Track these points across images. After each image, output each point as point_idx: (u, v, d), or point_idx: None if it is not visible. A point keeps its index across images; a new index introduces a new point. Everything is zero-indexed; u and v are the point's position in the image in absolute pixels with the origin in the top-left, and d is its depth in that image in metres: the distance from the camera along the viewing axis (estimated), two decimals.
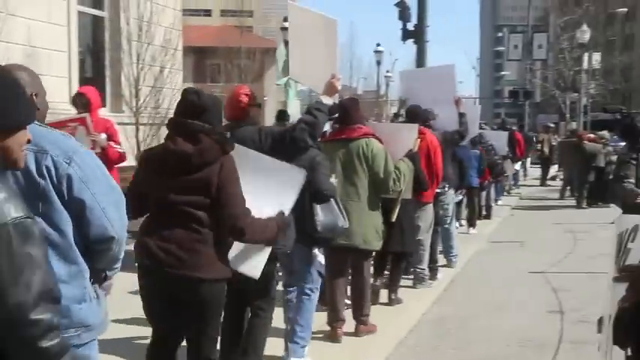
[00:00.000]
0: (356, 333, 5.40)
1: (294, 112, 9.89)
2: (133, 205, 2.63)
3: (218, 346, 3.69)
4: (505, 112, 47.88)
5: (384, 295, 6.47)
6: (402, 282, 6.77)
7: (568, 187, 16.77)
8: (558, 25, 36.46)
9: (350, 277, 5.56)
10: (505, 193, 16.12)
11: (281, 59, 11.40)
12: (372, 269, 5.92)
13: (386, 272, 6.68)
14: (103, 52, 10.77)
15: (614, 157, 14.01)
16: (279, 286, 4.83)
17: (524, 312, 6.57)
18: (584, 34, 29.77)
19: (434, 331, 5.95)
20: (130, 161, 7.86)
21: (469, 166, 9.96)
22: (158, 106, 10.44)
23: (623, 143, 6.30)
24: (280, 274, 4.95)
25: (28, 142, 1.95)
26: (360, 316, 5.42)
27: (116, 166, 6.12)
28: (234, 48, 32.13)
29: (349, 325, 5.40)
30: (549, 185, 19.76)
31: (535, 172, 21.62)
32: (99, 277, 2.55)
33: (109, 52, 10.68)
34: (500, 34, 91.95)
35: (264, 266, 3.76)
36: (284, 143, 4.03)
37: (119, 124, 8.21)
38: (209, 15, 59.11)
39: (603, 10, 48.75)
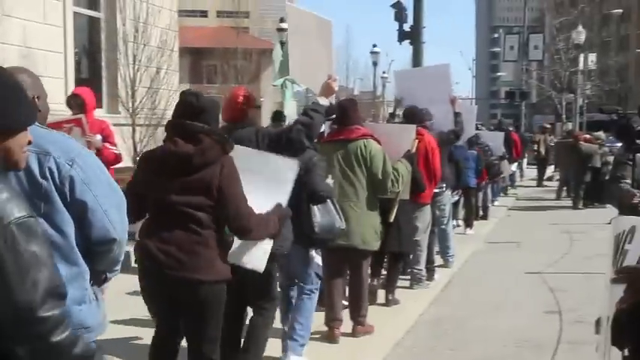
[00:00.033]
0: (353, 333, 5.40)
1: (291, 112, 9.86)
2: (132, 206, 2.63)
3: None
4: (501, 112, 47.97)
5: (381, 295, 6.47)
6: (400, 283, 6.77)
7: (564, 188, 16.81)
8: (554, 26, 36.55)
9: (348, 278, 5.56)
10: (502, 194, 16.14)
11: (277, 60, 11.36)
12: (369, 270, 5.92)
13: (383, 273, 6.68)
14: (99, 53, 10.75)
15: (610, 158, 14.06)
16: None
17: (521, 312, 6.57)
18: (580, 35, 29.86)
19: (431, 332, 5.95)
20: (127, 162, 7.86)
21: (466, 167, 9.99)
22: (154, 107, 10.41)
23: (619, 144, 6.31)
24: (278, 274, 4.94)
25: (29, 143, 1.95)
26: (357, 316, 5.42)
27: (112, 167, 6.10)
28: (231, 49, 32.14)
29: (346, 325, 5.40)
30: (546, 186, 19.79)
31: (531, 172, 21.65)
32: (99, 279, 2.56)
33: (105, 53, 10.66)
34: (496, 35, 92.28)
35: (266, 267, 3.80)
36: (281, 144, 4.04)
37: (116, 125, 8.20)
38: (205, 16, 59.09)
39: (598, 11, 48.88)
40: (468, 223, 11.04)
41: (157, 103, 10.45)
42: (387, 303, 6.40)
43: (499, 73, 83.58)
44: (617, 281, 2.34)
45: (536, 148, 20.32)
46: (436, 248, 8.01)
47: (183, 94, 3.54)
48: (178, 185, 3.31)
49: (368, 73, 45.88)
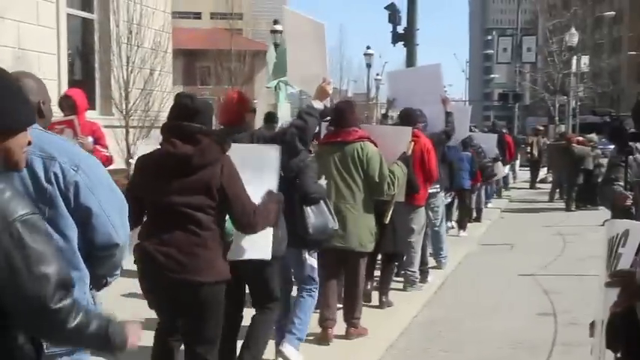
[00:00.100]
0: (347, 336, 5.40)
1: (285, 114, 9.87)
2: (132, 210, 2.65)
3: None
4: (494, 114, 48.15)
5: (374, 297, 6.47)
6: (393, 285, 6.78)
7: (557, 190, 16.86)
8: (547, 29, 36.67)
9: (343, 280, 5.57)
10: (495, 196, 16.18)
11: (271, 62, 11.36)
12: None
13: (376, 275, 6.68)
14: (93, 54, 10.73)
15: (602, 160, 14.12)
16: None
17: (515, 314, 6.59)
18: (573, 37, 29.97)
19: (424, 334, 5.96)
20: (120, 164, 7.83)
21: (460, 168, 10.00)
22: (148, 108, 10.41)
23: (612, 146, 6.32)
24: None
25: (29, 143, 1.97)
26: (351, 318, 5.43)
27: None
28: (224, 51, 32.15)
29: (340, 327, 5.40)
30: (539, 188, 19.84)
31: (524, 174, 21.71)
32: (99, 283, 2.58)
33: (98, 55, 10.64)
34: (489, 37, 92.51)
35: (266, 268, 3.92)
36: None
37: (109, 126, 8.19)
38: (199, 18, 59.10)
39: (591, 14, 49.12)
40: (462, 225, 11.05)
41: (150, 105, 10.44)
42: (381, 305, 6.40)
43: (492, 75, 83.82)
44: (611, 285, 2.35)
45: (529, 150, 20.37)
46: (429, 250, 8.02)
47: (178, 96, 3.58)
48: (177, 186, 3.33)
49: (362, 74, 46.02)
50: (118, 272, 2.63)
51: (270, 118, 8.63)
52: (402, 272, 7.20)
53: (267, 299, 4.14)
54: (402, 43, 13.75)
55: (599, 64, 49.92)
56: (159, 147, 3.51)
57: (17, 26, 8.68)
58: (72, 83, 9.63)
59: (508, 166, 17.57)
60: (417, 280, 7.21)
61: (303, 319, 4.72)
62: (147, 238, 3.41)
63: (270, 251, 3.81)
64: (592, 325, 2.67)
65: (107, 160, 6.18)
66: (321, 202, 4.66)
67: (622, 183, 4.42)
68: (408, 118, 6.67)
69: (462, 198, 10.75)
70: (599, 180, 10.77)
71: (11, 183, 1.87)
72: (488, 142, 12.77)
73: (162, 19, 11.67)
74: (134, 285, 3.70)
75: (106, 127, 6.73)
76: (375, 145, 5.31)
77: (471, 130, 11.77)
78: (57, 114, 6.55)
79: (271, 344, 4.54)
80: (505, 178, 17.72)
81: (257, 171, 3.70)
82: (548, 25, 37.03)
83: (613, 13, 47.59)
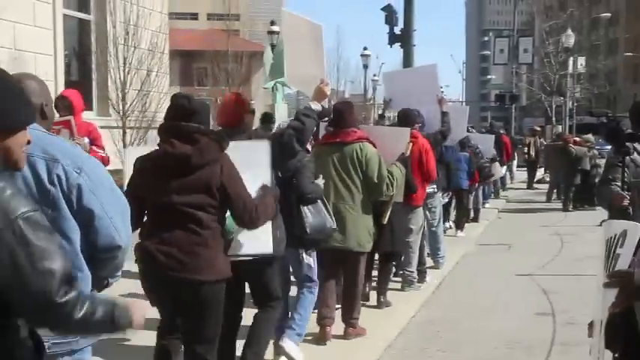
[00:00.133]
0: (345, 336, 5.40)
1: (282, 115, 9.88)
2: (134, 212, 2.66)
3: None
4: (491, 115, 48.22)
5: (372, 297, 6.47)
6: (391, 285, 6.78)
7: (555, 190, 16.89)
8: (543, 30, 36.80)
9: (343, 280, 5.58)
10: (492, 196, 16.20)
11: (268, 63, 11.37)
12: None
13: (374, 275, 6.68)
14: (90, 55, 10.71)
15: (599, 161, 14.15)
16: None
17: (513, 314, 6.59)
18: (569, 38, 30.05)
19: (422, 334, 5.96)
20: (117, 165, 7.81)
21: (458, 169, 10.01)
22: (145, 109, 10.40)
23: (609, 146, 6.32)
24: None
25: (28, 142, 1.97)
26: (349, 319, 5.43)
27: None
28: (221, 51, 32.13)
29: (338, 328, 5.40)
30: (536, 188, 19.87)
31: (521, 175, 21.74)
32: (101, 285, 2.59)
33: (95, 56, 10.62)
34: (486, 39, 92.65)
35: (266, 268, 3.98)
36: (272, 149, 4.06)
37: (106, 127, 8.18)
38: (195, 18, 59.06)
39: (587, 15, 49.27)
40: (459, 225, 11.06)
41: (147, 106, 10.43)
42: (379, 305, 6.40)
43: (489, 76, 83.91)
44: (610, 285, 2.36)
45: (526, 150, 20.41)
46: (427, 250, 8.02)
47: (174, 97, 3.59)
48: (177, 186, 3.35)
49: (359, 75, 46.05)
50: (120, 273, 2.65)
51: (267, 118, 8.64)
52: (400, 272, 7.20)
53: (268, 298, 4.18)
54: (399, 44, 13.76)
55: (596, 65, 49.98)
56: (154, 148, 3.52)
57: (13, 27, 8.67)
58: (69, 84, 9.61)
59: (505, 167, 17.60)
60: (415, 280, 7.21)
61: (303, 315, 4.76)
62: (148, 237, 3.43)
63: (271, 245, 3.85)
64: (591, 325, 2.67)
65: (103, 161, 6.17)
66: (319, 201, 4.68)
67: (619, 183, 4.43)
68: (407, 118, 6.68)
69: (459, 198, 10.76)
70: (596, 180, 10.79)
71: (12, 181, 1.88)
72: (485, 143, 12.79)
73: (159, 20, 11.66)
74: (135, 285, 3.70)
75: (103, 127, 6.72)
76: (374, 145, 5.32)
77: (468, 131, 11.78)
78: (56, 115, 6.55)
79: (270, 344, 4.55)
80: (502, 178, 17.75)
81: (250, 167, 3.72)
82: (545, 26, 37.14)
83: (609, 14, 47.72)
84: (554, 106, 33.27)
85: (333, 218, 4.79)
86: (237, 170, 3.46)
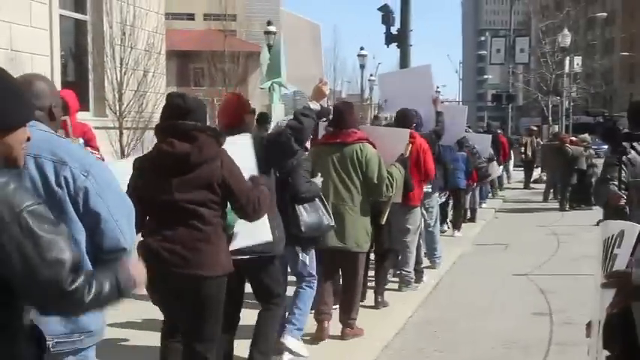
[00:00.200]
0: (342, 336, 5.40)
1: (279, 115, 9.90)
2: (137, 212, 2.66)
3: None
4: (488, 115, 48.18)
5: (370, 298, 6.47)
6: (388, 285, 6.78)
7: (551, 190, 16.91)
8: (540, 30, 36.82)
9: (340, 280, 5.59)
10: (489, 196, 16.21)
11: (265, 63, 11.39)
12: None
13: (370, 275, 6.68)
14: (86, 56, 10.69)
15: (596, 160, 14.18)
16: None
17: (510, 314, 6.60)
18: (566, 38, 30.10)
19: (420, 334, 5.96)
20: None
21: (456, 168, 10.01)
22: (142, 110, 10.39)
23: (605, 146, 6.34)
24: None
25: (28, 139, 1.98)
26: (347, 319, 5.43)
27: None
28: (218, 52, 32.12)
29: (336, 328, 5.40)
30: (533, 188, 19.90)
31: (518, 175, 21.77)
32: None
33: (91, 56, 10.59)
34: (482, 38, 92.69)
35: (268, 266, 4.04)
36: (270, 148, 4.10)
37: (103, 128, 8.16)
38: (192, 19, 59.02)
39: (584, 15, 49.31)
40: (456, 225, 11.06)
41: (144, 106, 10.42)
42: (376, 305, 6.40)
43: (486, 76, 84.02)
44: (607, 286, 2.36)
45: (523, 150, 20.43)
46: (423, 249, 8.02)
47: (169, 96, 3.60)
48: (179, 183, 3.37)
49: (355, 75, 46.07)
50: None
51: (263, 119, 8.66)
52: (397, 272, 7.21)
53: (271, 296, 4.21)
54: (396, 44, 13.77)
55: (592, 64, 50.12)
56: (152, 149, 3.52)
57: (9, 27, 8.64)
58: (65, 85, 9.59)
59: (502, 167, 17.62)
60: (412, 280, 7.22)
61: (303, 309, 4.80)
62: (150, 235, 3.44)
63: (270, 232, 3.88)
64: (588, 325, 2.67)
65: None
66: (316, 199, 4.71)
67: (616, 182, 4.44)
68: (405, 119, 6.69)
69: (456, 198, 10.77)
70: (593, 180, 10.77)
71: (16, 177, 1.88)
72: (482, 143, 12.80)
73: (156, 20, 11.65)
74: None
75: (99, 128, 6.71)
76: (374, 146, 5.32)
77: (465, 131, 11.79)
78: None
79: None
80: (499, 178, 17.76)
81: (237, 157, 3.71)
82: (541, 26, 37.16)
83: (605, 14, 47.82)
84: (550, 106, 33.30)
85: (332, 216, 4.81)
86: (237, 165, 3.48)
